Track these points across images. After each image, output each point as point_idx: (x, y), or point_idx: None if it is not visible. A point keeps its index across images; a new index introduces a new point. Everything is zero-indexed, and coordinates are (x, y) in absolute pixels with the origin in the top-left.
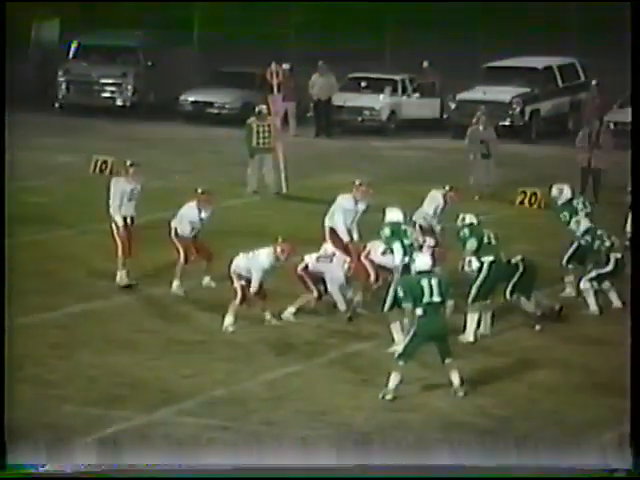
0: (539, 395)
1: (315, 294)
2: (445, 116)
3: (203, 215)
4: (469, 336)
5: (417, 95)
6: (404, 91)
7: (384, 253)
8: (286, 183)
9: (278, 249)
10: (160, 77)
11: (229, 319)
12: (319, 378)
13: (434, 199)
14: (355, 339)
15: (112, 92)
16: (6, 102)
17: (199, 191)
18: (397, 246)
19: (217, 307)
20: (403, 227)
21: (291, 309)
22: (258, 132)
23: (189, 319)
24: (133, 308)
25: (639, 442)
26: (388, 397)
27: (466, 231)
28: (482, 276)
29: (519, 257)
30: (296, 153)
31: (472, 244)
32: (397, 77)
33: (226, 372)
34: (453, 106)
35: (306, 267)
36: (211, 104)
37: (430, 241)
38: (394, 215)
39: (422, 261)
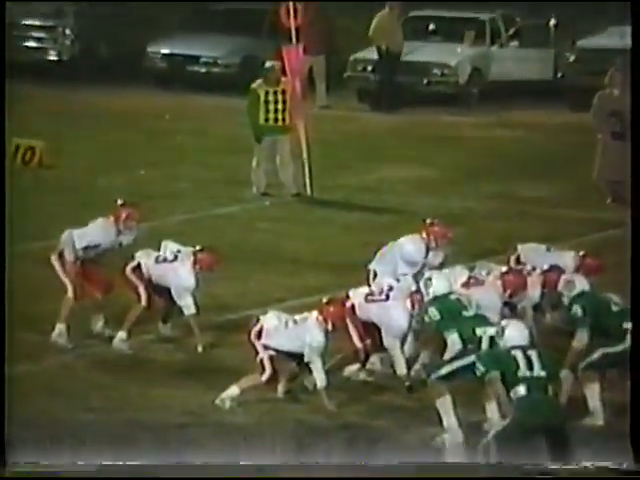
0: None
1: (361, 351)
2: (560, 75)
3: (123, 240)
4: (597, 417)
5: (516, 44)
6: (495, 38)
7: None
8: (310, 180)
9: (327, 318)
10: (116, 19)
11: (233, 390)
12: None
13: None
14: (418, 421)
15: (40, 40)
16: None
17: (119, 203)
18: (453, 337)
19: (205, 373)
20: (454, 297)
21: (233, 390)
22: (268, 102)
23: (161, 391)
24: (76, 374)
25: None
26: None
27: (577, 309)
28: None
29: None
30: (326, 134)
31: (583, 337)
32: (484, 16)
33: (219, 472)
34: (572, 58)
35: (352, 308)
36: (195, 59)
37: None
38: (440, 285)
39: (515, 332)
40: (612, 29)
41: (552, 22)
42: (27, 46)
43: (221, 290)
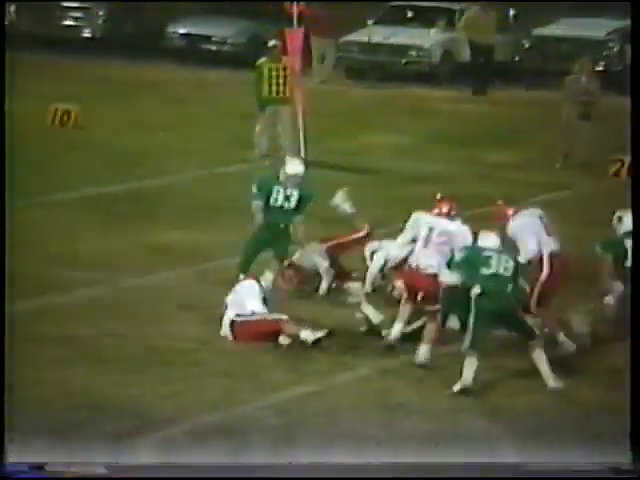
0: None
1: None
2: (517, 58)
3: None
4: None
5: None
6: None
7: None
8: (305, 145)
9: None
10: (141, 2)
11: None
12: (345, 401)
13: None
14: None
15: (77, 19)
16: None
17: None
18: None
19: (209, 307)
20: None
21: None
22: (271, 77)
23: (173, 321)
24: (99, 305)
25: (638, 437)
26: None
27: None
28: None
29: None
30: (320, 105)
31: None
32: (455, 6)
33: (222, 391)
34: (528, 45)
35: None
36: (208, 38)
37: None
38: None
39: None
40: (564, 20)
41: (511, 12)
42: (66, 24)
43: (227, 236)
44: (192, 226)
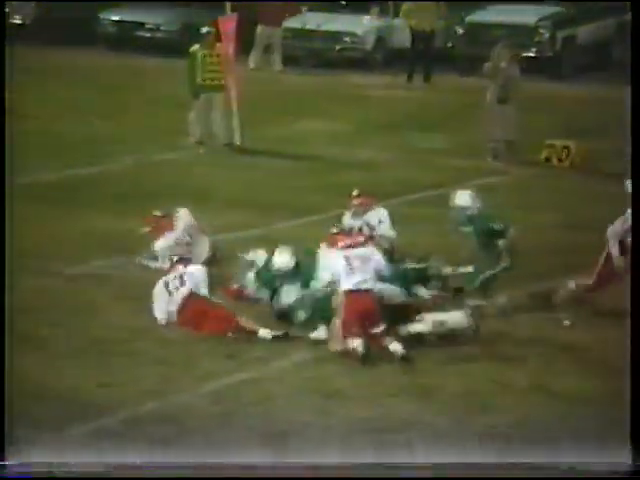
0: None
1: None
2: (450, 45)
3: None
4: None
5: None
6: (397, 12)
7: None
8: (240, 132)
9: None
10: None
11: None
12: (281, 388)
13: None
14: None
15: (6, 5)
16: None
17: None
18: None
19: (146, 296)
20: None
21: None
22: (204, 64)
23: (110, 310)
24: (35, 295)
25: (638, 436)
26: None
27: None
28: None
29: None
30: (254, 92)
31: None
32: None
33: (158, 380)
34: (461, 31)
35: None
36: (141, 25)
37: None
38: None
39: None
40: (495, 6)
41: None
42: None
43: None
44: (128, 213)
